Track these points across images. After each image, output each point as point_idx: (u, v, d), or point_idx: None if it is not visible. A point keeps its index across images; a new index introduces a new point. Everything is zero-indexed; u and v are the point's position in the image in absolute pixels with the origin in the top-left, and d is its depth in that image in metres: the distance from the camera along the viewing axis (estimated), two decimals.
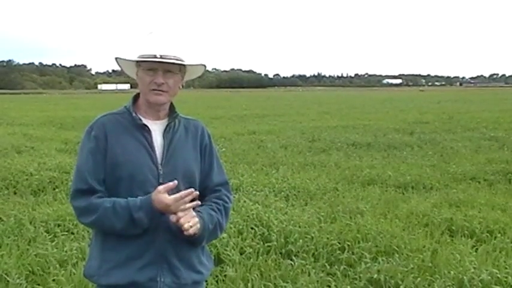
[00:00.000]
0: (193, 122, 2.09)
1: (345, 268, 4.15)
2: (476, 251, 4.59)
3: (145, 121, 1.95)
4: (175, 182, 1.82)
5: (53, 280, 3.85)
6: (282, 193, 6.77)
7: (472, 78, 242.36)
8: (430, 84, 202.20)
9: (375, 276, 3.90)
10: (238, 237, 4.67)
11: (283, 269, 4.08)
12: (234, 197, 5.99)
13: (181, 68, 1.95)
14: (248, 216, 5.21)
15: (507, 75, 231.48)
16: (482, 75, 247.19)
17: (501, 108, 27.80)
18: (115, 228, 1.85)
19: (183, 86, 2.05)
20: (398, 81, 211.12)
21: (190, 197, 1.83)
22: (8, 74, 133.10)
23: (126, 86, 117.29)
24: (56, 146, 11.94)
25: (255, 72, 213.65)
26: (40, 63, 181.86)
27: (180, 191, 1.83)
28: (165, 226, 1.86)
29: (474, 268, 3.99)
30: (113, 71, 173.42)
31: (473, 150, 11.15)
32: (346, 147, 11.81)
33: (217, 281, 3.91)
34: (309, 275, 3.99)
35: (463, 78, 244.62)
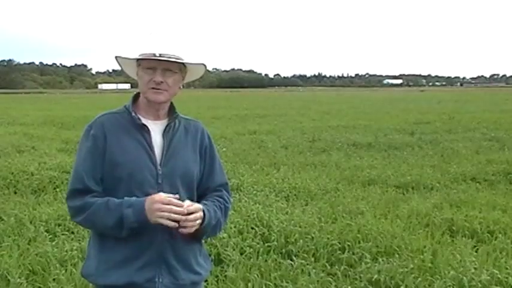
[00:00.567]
0: (194, 122, 2.08)
1: (345, 268, 4.15)
2: (476, 252, 4.59)
3: (144, 121, 1.94)
4: (177, 196, 1.81)
5: (53, 280, 3.85)
6: (283, 193, 6.78)
7: (472, 78, 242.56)
8: (430, 84, 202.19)
9: (375, 276, 3.90)
10: (238, 237, 4.67)
11: (284, 269, 4.08)
12: (234, 197, 6.01)
13: (182, 67, 1.94)
14: (248, 216, 5.21)
15: (508, 75, 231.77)
16: (482, 76, 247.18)
17: (502, 109, 27.74)
18: (106, 225, 1.82)
19: (183, 87, 2.05)
20: (399, 81, 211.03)
21: (180, 210, 1.78)
22: (9, 74, 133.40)
23: (127, 86, 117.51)
24: (57, 145, 11.96)
25: (255, 72, 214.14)
26: (41, 62, 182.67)
27: (180, 191, 1.82)
28: (164, 226, 1.85)
29: (474, 269, 3.98)
30: (114, 70, 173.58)
31: (474, 151, 11.12)
32: (346, 148, 11.81)
33: (217, 281, 3.91)
34: (309, 275, 3.99)
35: (464, 78, 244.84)
